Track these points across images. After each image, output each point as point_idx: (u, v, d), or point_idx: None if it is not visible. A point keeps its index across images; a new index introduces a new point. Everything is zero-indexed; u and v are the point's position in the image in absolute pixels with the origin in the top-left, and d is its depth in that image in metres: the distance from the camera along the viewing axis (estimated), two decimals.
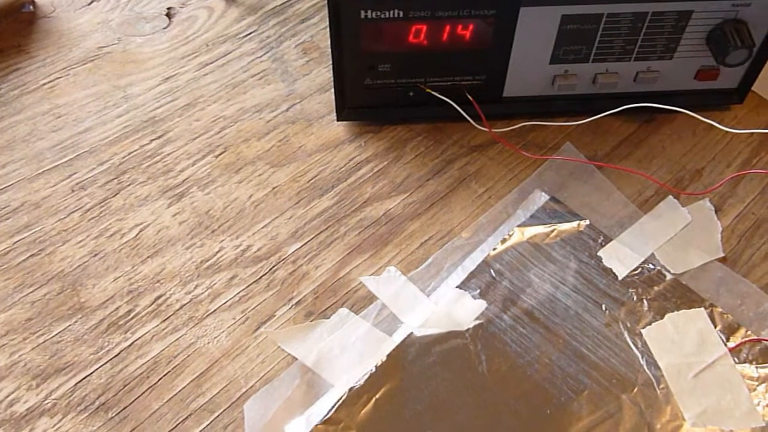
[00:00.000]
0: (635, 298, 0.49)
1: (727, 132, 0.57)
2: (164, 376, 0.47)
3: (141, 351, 0.48)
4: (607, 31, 0.54)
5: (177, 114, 0.61)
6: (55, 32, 0.68)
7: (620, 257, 0.52)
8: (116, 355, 0.48)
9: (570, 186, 0.56)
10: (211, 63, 0.66)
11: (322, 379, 0.46)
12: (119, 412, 0.45)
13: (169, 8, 0.71)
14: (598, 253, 0.52)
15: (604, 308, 0.49)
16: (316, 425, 0.44)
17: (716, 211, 0.55)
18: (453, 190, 0.56)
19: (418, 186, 0.56)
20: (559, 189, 0.55)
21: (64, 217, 0.55)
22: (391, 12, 0.52)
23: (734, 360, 0.47)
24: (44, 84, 0.64)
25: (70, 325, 0.49)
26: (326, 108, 0.62)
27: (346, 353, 0.47)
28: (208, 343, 0.48)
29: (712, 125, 0.56)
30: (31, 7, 0.70)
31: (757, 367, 0.46)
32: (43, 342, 0.48)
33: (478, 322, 0.48)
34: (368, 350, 0.47)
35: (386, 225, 0.54)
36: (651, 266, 0.51)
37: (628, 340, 0.48)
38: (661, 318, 0.49)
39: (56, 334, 0.49)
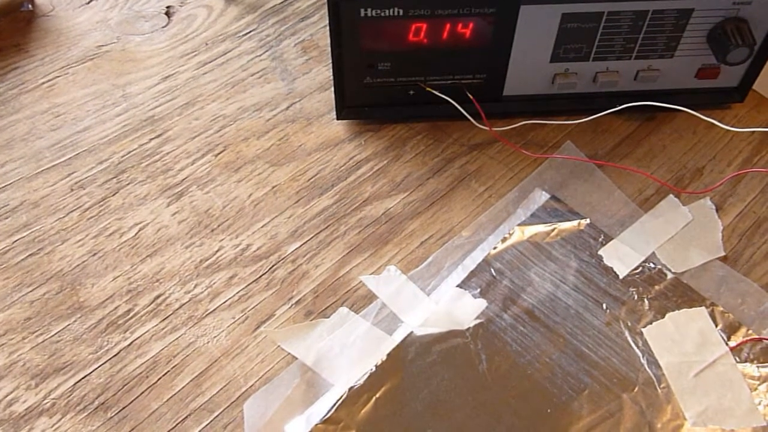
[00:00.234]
0: (636, 297, 0.49)
1: (727, 131, 0.57)
2: (163, 375, 0.47)
3: (140, 350, 0.48)
4: (607, 30, 0.54)
5: (176, 113, 0.61)
6: (53, 31, 0.68)
7: (621, 256, 0.51)
8: (115, 355, 0.48)
9: (570, 185, 0.56)
10: (210, 62, 0.65)
11: (321, 379, 0.46)
12: (118, 412, 0.45)
13: (168, 7, 0.71)
14: (599, 252, 0.52)
15: (604, 307, 0.49)
16: (316, 425, 0.44)
17: (717, 210, 0.54)
18: (453, 188, 0.56)
19: (418, 185, 0.56)
20: (560, 188, 0.55)
21: (63, 217, 0.54)
22: (391, 10, 0.52)
23: (735, 359, 0.47)
24: (43, 83, 0.64)
25: (69, 325, 0.49)
26: (326, 107, 0.61)
27: (346, 352, 0.47)
28: (208, 342, 0.48)
29: (712, 124, 0.56)
30: (30, 5, 0.70)
31: (758, 366, 0.46)
32: (42, 341, 0.48)
33: (478, 321, 0.48)
34: (368, 349, 0.47)
35: (386, 224, 0.54)
36: (652, 265, 0.51)
37: (629, 339, 0.47)
38: (662, 317, 0.48)
39: (55, 334, 0.48)
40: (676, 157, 0.58)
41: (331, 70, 0.56)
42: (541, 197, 0.55)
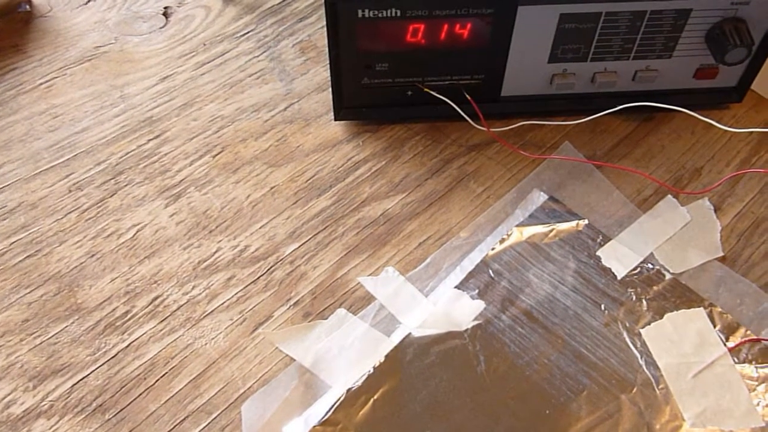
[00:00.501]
0: (634, 298, 0.49)
1: (726, 131, 0.57)
2: (161, 377, 0.47)
3: (138, 352, 0.48)
4: (605, 30, 0.54)
5: (174, 114, 0.61)
6: (51, 32, 0.68)
7: (619, 257, 0.51)
8: (113, 357, 0.48)
9: (569, 185, 0.55)
10: (208, 62, 0.65)
11: (320, 380, 0.46)
12: (116, 414, 0.45)
13: (166, 7, 0.71)
14: (597, 253, 0.52)
15: (603, 308, 0.49)
16: (314, 426, 0.44)
17: (715, 211, 0.54)
18: (451, 189, 0.56)
19: (417, 186, 0.56)
20: (558, 188, 0.55)
21: (61, 218, 0.54)
22: (389, 11, 0.52)
23: (734, 360, 0.47)
24: (41, 84, 0.64)
25: (66, 327, 0.49)
26: (324, 107, 0.61)
27: (344, 354, 0.47)
28: (206, 344, 0.48)
29: (711, 124, 0.55)
30: (28, 6, 0.70)
31: (756, 367, 0.46)
32: (40, 343, 0.48)
33: (476, 322, 0.48)
34: (366, 351, 0.47)
35: (384, 225, 0.54)
36: (650, 266, 0.51)
37: (627, 340, 0.47)
38: (660, 318, 0.48)
39: (53, 336, 0.48)
40: (675, 157, 0.58)
41: (328, 70, 0.56)
42: (539, 198, 0.54)
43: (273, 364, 0.47)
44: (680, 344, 0.47)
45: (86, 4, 0.71)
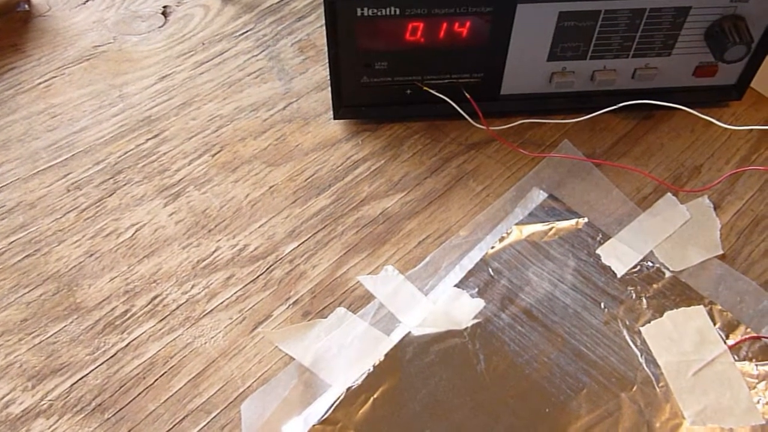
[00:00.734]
0: (634, 296, 0.49)
1: (725, 129, 0.57)
2: (161, 376, 0.47)
3: (137, 351, 0.48)
4: (604, 28, 0.54)
5: (173, 113, 0.61)
6: (50, 31, 0.68)
7: (619, 255, 0.51)
8: (112, 356, 0.47)
9: (568, 184, 0.55)
10: (207, 62, 0.65)
11: (319, 379, 0.46)
12: (115, 413, 0.45)
13: (164, 7, 0.71)
14: (597, 251, 0.52)
15: (602, 306, 0.49)
16: (314, 425, 0.44)
17: (715, 209, 0.54)
18: (451, 188, 0.56)
19: (416, 184, 0.56)
20: (558, 187, 0.55)
21: (60, 217, 0.54)
22: (388, 9, 0.52)
23: (734, 358, 0.47)
24: (39, 83, 0.63)
25: (65, 326, 0.49)
26: (323, 106, 0.61)
27: (344, 353, 0.47)
28: (205, 343, 0.48)
29: (710, 122, 0.55)
30: (27, 6, 0.69)
31: (756, 365, 0.46)
32: (39, 343, 0.48)
33: (476, 321, 0.48)
34: (366, 350, 0.47)
35: (383, 224, 0.54)
36: (650, 264, 0.51)
37: (627, 338, 0.47)
38: (660, 316, 0.48)
39: (52, 335, 0.48)
40: (674, 155, 0.58)
41: (327, 69, 0.56)
42: (538, 196, 0.54)
43: (272, 363, 0.47)
44: (680, 342, 0.47)
45: (85, 3, 0.71)
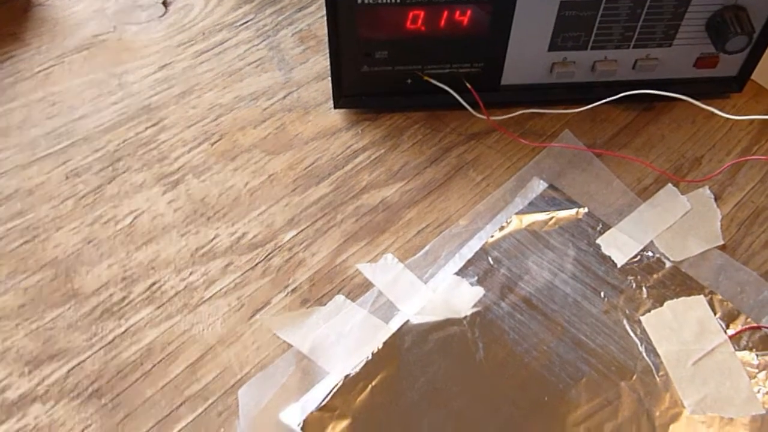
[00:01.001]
0: (634, 286, 0.49)
1: (726, 120, 0.57)
2: (158, 363, 0.46)
3: (135, 338, 0.47)
4: (605, 18, 0.54)
5: (173, 101, 0.61)
6: (50, 20, 0.68)
7: (619, 245, 0.51)
8: (110, 342, 0.47)
9: (568, 174, 0.55)
10: (207, 51, 0.65)
11: (317, 367, 0.46)
12: (112, 399, 0.45)
13: None
14: (597, 241, 0.51)
15: (602, 295, 0.48)
16: (312, 412, 0.43)
17: (716, 200, 0.54)
18: (450, 177, 0.56)
19: (416, 174, 0.56)
20: (558, 177, 0.55)
21: (58, 204, 0.54)
22: None
23: (734, 347, 0.46)
24: (39, 72, 0.63)
25: (63, 312, 0.49)
26: (323, 96, 0.61)
27: (342, 340, 0.47)
28: (203, 330, 0.48)
29: (711, 114, 0.55)
30: None
31: (757, 355, 0.46)
32: (36, 328, 0.48)
33: (475, 309, 0.48)
34: (364, 337, 0.47)
35: (383, 213, 0.54)
36: (650, 254, 0.51)
37: (627, 327, 0.47)
38: (661, 305, 0.48)
39: (49, 321, 0.48)
40: (675, 146, 0.58)
41: (328, 59, 0.56)
42: (539, 186, 0.54)
43: (270, 350, 0.47)
44: (680, 332, 0.47)
45: None
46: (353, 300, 0.49)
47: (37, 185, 0.55)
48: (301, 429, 0.43)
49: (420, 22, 0.53)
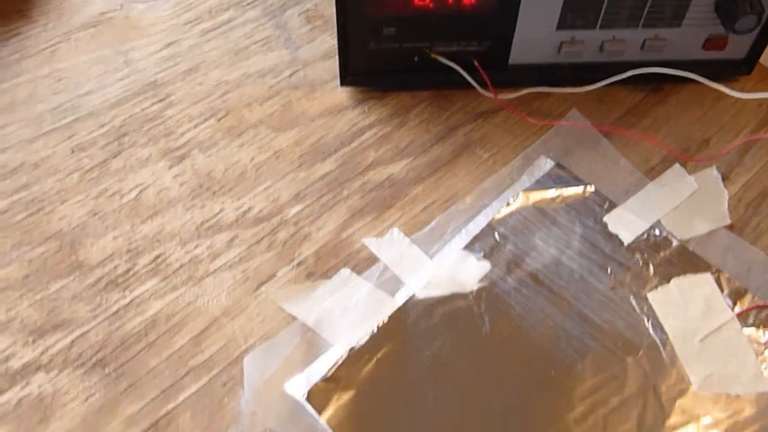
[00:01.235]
0: (641, 263, 0.49)
1: (734, 103, 0.57)
2: (163, 334, 0.46)
3: (139, 309, 0.47)
4: None
5: (179, 78, 0.61)
6: None
7: (626, 223, 0.51)
8: (114, 313, 0.47)
9: (576, 153, 0.55)
10: (213, 29, 0.65)
11: (322, 339, 0.46)
12: (116, 369, 0.45)
13: None
14: (604, 219, 0.51)
15: (609, 272, 0.48)
16: (316, 383, 0.43)
17: (723, 180, 0.54)
18: (457, 155, 0.56)
19: (422, 151, 0.56)
20: (565, 156, 0.55)
21: (64, 178, 0.54)
22: None
23: (741, 325, 0.46)
24: (45, 48, 0.63)
25: (67, 283, 0.48)
26: (330, 74, 0.61)
27: (348, 314, 0.47)
28: (208, 302, 0.48)
29: (719, 96, 0.55)
30: None
31: (764, 332, 0.46)
32: (40, 299, 0.48)
33: (481, 284, 0.48)
34: (370, 311, 0.47)
35: (389, 189, 0.53)
36: (657, 232, 0.50)
37: (634, 303, 0.47)
38: (667, 283, 0.48)
39: (53, 292, 0.48)
40: (683, 128, 0.58)
41: (335, 39, 0.56)
42: (546, 164, 0.54)
43: (275, 322, 0.47)
44: (687, 309, 0.47)
45: None
46: (359, 274, 0.49)
47: (42, 159, 0.55)
48: (306, 399, 0.43)
49: None
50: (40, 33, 0.64)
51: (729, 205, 0.53)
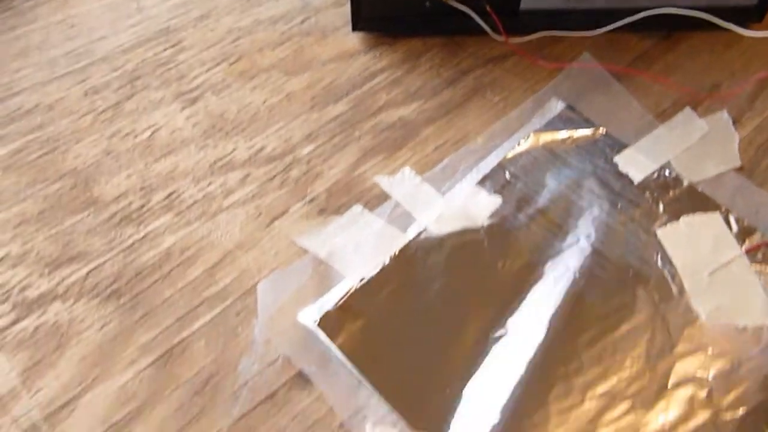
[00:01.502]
0: (651, 201, 0.49)
1: (746, 49, 0.57)
2: (177, 266, 0.47)
3: (153, 242, 0.48)
4: None
5: (191, 25, 0.61)
6: None
7: (636, 164, 0.51)
8: (129, 246, 0.48)
9: (587, 96, 0.55)
10: None
11: (334, 272, 0.46)
12: (131, 299, 0.45)
13: None
14: (614, 160, 0.51)
15: (619, 207, 0.49)
16: (328, 311, 0.44)
17: (734, 123, 0.54)
18: (468, 99, 0.56)
19: (433, 95, 0.56)
20: (576, 99, 0.55)
21: (78, 119, 0.54)
22: None
23: (749, 261, 0.46)
24: None
25: (82, 218, 0.49)
26: (341, 20, 0.61)
27: (359, 248, 0.47)
28: (221, 236, 0.48)
29: (730, 44, 0.55)
30: None
31: None
32: (56, 233, 0.48)
33: (492, 220, 0.48)
34: (381, 245, 0.47)
35: (401, 129, 0.54)
36: (667, 172, 0.51)
37: (643, 238, 0.47)
38: (677, 220, 0.48)
39: (68, 226, 0.49)
40: (693, 74, 0.58)
41: None
42: (557, 106, 0.54)
43: (288, 256, 0.47)
44: (696, 245, 0.47)
45: None
46: (370, 211, 0.49)
47: (56, 101, 0.55)
48: (318, 326, 0.43)
49: None
50: None
51: (739, 148, 0.53)
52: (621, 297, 0.44)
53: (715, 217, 0.49)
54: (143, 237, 0.48)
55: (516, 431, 0.40)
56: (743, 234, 0.48)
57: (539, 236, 0.47)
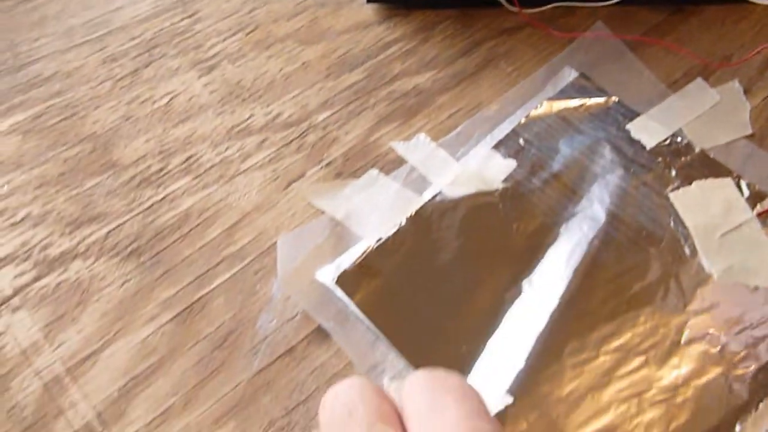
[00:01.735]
0: (663, 166, 0.50)
1: (756, 21, 0.57)
2: (196, 226, 0.48)
3: (172, 204, 0.49)
4: None
5: None
6: None
7: (648, 130, 0.52)
8: (148, 207, 0.48)
9: (599, 65, 0.56)
10: None
11: (351, 233, 0.47)
12: (151, 258, 0.46)
13: None
14: (627, 127, 0.52)
15: (631, 172, 0.49)
16: (346, 269, 0.44)
17: (745, 93, 0.55)
18: (482, 68, 0.56)
19: (447, 64, 0.57)
20: (589, 68, 0.55)
21: (96, 86, 0.55)
22: None
23: (760, 225, 0.47)
24: None
25: (102, 180, 0.50)
26: None
27: (376, 210, 0.48)
28: (239, 198, 0.49)
29: (741, 16, 0.55)
30: None
31: None
32: (76, 194, 0.49)
33: (506, 184, 0.49)
34: (397, 207, 0.48)
35: (415, 97, 0.54)
36: (679, 139, 0.51)
37: (656, 201, 0.48)
38: (689, 185, 0.49)
39: (88, 188, 0.49)
40: (704, 46, 0.58)
41: None
42: (570, 75, 0.55)
43: (305, 217, 0.48)
44: (708, 207, 0.48)
45: None
46: (386, 174, 0.50)
47: (75, 68, 0.56)
48: (336, 284, 0.44)
49: None
50: None
51: (750, 116, 0.53)
52: (634, 257, 0.45)
53: (727, 182, 0.49)
54: (162, 199, 0.49)
55: (531, 385, 0.40)
56: (754, 198, 0.48)
57: (553, 200, 0.48)
